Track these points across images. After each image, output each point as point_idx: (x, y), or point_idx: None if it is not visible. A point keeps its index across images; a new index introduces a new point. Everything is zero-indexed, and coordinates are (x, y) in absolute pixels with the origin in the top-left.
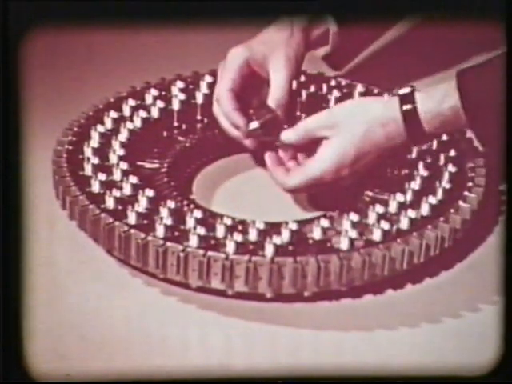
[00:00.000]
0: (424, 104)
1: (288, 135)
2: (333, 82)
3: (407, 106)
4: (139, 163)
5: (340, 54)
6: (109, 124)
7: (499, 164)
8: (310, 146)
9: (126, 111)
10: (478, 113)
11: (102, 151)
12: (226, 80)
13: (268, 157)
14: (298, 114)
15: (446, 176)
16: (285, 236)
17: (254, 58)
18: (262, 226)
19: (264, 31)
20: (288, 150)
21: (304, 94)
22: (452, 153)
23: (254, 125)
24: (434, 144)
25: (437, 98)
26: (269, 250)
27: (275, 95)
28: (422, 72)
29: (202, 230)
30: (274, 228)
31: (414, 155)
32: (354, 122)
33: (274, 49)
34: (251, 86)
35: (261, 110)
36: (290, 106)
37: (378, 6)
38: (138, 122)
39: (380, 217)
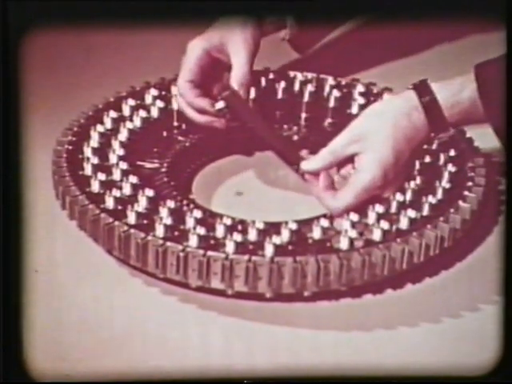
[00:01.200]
0: (442, 93)
1: (312, 163)
2: (332, 82)
3: (426, 98)
4: (139, 163)
5: (301, 38)
6: (108, 124)
7: (499, 164)
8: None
9: (126, 111)
10: (496, 106)
11: (102, 151)
12: (185, 72)
13: (314, 190)
14: (298, 113)
15: (446, 176)
16: (284, 236)
17: (212, 46)
18: (261, 226)
19: (218, 22)
20: (325, 173)
21: (304, 93)
22: (452, 153)
23: (220, 104)
24: (434, 144)
25: (454, 88)
26: (268, 249)
27: (237, 76)
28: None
29: (201, 230)
30: (273, 228)
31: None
32: (379, 126)
33: (230, 34)
34: (213, 75)
35: (223, 91)
36: (249, 85)
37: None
38: (137, 122)
39: (380, 217)
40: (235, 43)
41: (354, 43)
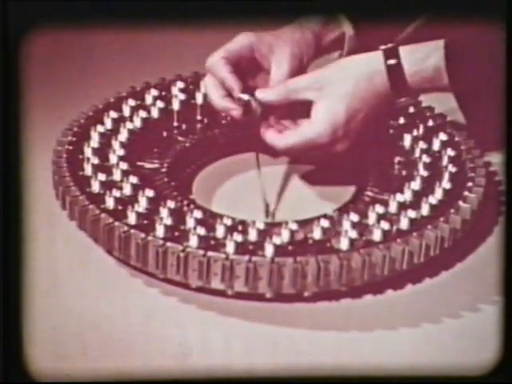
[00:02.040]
0: (407, 58)
1: (267, 94)
2: None
3: (391, 61)
4: (139, 163)
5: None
6: (109, 124)
7: (499, 164)
8: (300, 111)
9: (126, 111)
10: (462, 77)
11: (102, 151)
12: (223, 50)
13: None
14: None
15: (446, 176)
16: (285, 236)
17: (259, 46)
18: (261, 226)
19: (278, 29)
20: (279, 114)
21: None
22: (452, 153)
23: (246, 96)
24: (434, 144)
25: (421, 54)
26: (269, 250)
27: (275, 76)
28: None
29: (201, 230)
30: (273, 228)
31: (414, 155)
32: (340, 80)
33: (282, 44)
34: (246, 70)
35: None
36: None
37: (388, 7)
38: (137, 122)
39: (380, 217)
40: (282, 55)
41: None
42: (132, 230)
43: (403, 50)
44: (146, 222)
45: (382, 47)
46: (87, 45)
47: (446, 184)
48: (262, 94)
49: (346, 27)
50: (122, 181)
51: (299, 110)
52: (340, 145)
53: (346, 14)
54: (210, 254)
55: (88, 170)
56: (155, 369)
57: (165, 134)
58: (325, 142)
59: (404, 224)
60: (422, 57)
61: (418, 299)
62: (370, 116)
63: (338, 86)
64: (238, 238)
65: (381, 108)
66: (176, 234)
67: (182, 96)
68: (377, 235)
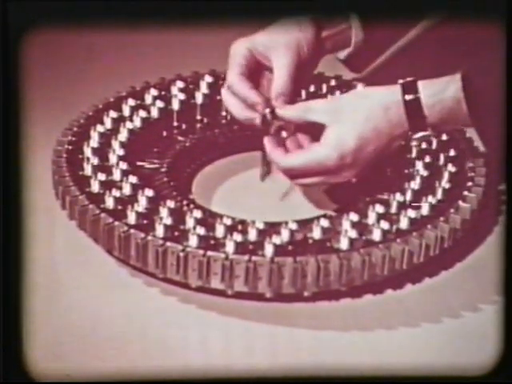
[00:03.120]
0: (426, 91)
1: (286, 111)
2: (333, 82)
3: (410, 96)
4: (139, 163)
5: (360, 56)
6: (108, 124)
7: (499, 164)
8: (311, 133)
9: (126, 111)
10: (481, 108)
11: (102, 151)
12: (234, 67)
13: (267, 140)
14: None
15: (446, 176)
16: (284, 236)
17: (255, 48)
18: (261, 226)
19: (270, 27)
20: (289, 134)
21: (304, 93)
22: (452, 153)
23: (268, 110)
24: (434, 144)
25: (439, 86)
26: (268, 249)
27: (276, 86)
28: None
29: (201, 230)
30: (273, 228)
31: (413, 155)
32: (356, 108)
33: (277, 40)
34: (259, 75)
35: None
36: (292, 94)
37: (390, 6)
38: (137, 122)
39: (380, 217)
40: (279, 49)
41: None
42: (132, 230)
43: (421, 84)
44: (145, 221)
45: (401, 81)
46: (87, 45)
47: (446, 184)
48: (281, 112)
49: (352, 23)
50: (121, 180)
51: (311, 132)
52: (347, 173)
53: (352, 11)
54: (209, 253)
55: (88, 169)
56: (155, 368)
57: (164, 133)
58: (331, 167)
59: (404, 224)
60: (441, 88)
61: (417, 299)
62: (382, 148)
63: (353, 113)
64: (238, 237)
65: (394, 141)
66: (176, 233)
67: (181, 96)
68: (377, 235)
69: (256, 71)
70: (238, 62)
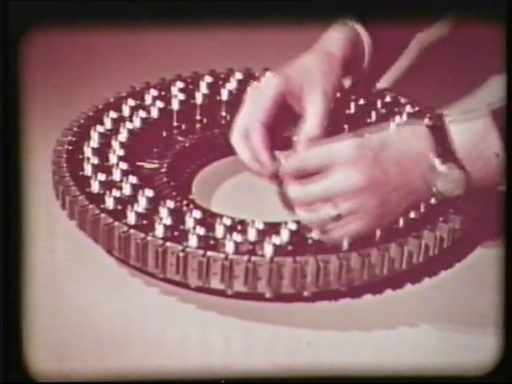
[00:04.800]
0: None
1: (289, 165)
2: None
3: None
4: (139, 163)
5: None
6: (108, 124)
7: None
8: None
9: (126, 111)
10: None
11: (102, 151)
12: (259, 110)
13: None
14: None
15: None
16: (284, 236)
17: (290, 90)
18: (261, 226)
19: (300, 58)
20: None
21: None
22: None
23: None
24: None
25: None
26: (268, 250)
27: (309, 131)
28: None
29: (201, 230)
30: (273, 228)
31: None
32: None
33: (310, 81)
34: (280, 119)
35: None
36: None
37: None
38: (137, 122)
39: None
40: (315, 94)
41: None
42: (132, 230)
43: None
44: (145, 221)
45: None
46: (87, 45)
47: None
48: (285, 168)
49: (363, 37)
50: (121, 181)
51: None
52: (380, 220)
53: (360, 21)
54: (209, 253)
55: (88, 170)
56: (155, 368)
57: (164, 134)
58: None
59: (403, 224)
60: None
61: (417, 299)
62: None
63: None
64: (238, 237)
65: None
66: (175, 233)
67: (181, 96)
68: (376, 235)
69: (281, 112)
70: (265, 105)
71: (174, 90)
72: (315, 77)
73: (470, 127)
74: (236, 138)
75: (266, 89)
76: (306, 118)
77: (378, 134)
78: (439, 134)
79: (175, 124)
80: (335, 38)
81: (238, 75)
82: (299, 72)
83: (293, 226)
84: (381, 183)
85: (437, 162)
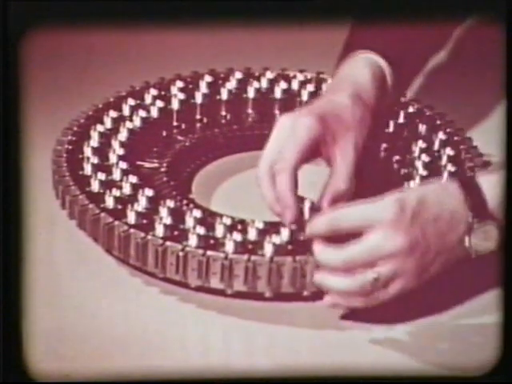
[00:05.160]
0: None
1: (315, 226)
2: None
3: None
4: (139, 163)
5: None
6: (108, 124)
7: (499, 164)
8: None
9: (126, 111)
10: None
11: (102, 151)
12: (291, 152)
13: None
14: None
15: (445, 175)
16: (284, 235)
17: (323, 135)
18: (261, 226)
19: (333, 94)
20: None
21: (304, 93)
22: (452, 152)
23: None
24: (434, 144)
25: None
26: (268, 249)
27: (337, 185)
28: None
29: (201, 230)
30: (273, 227)
31: (413, 154)
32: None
33: (344, 129)
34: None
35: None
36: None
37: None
38: (137, 122)
39: None
40: (346, 145)
41: None
42: (131, 230)
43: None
44: (145, 221)
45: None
46: (87, 45)
47: None
48: (314, 228)
49: (386, 72)
50: (121, 180)
51: None
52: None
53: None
54: (209, 253)
55: (88, 169)
56: (154, 368)
57: (164, 133)
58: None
59: None
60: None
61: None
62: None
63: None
64: (238, 237)
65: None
66: (175, 233)
67: (181, 95)
68: None
69: (312, 150)
70: (299, 149)
71: (174, 90)
72: (349, 126)
73: (496, 177)
74: (262, 173)
75: (301, 129)
76: (334, 169)
77: (414, 192)
78: (471, 188)
79: (175, 123)
80: (365, 80)
81: (238, 75)
82: (334, 116)
83: (293, 226)
84: (419, 244)
85: (471, 220)
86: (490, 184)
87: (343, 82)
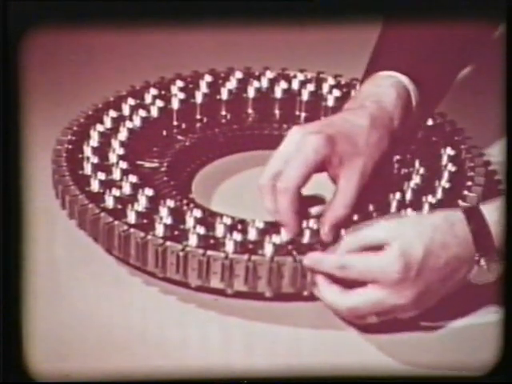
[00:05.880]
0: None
1: (323, 262)
2: (332, 82)
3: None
4: (139, 162)
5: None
6: (108, 123)
7: (499, 164)
8: None
9: (126, 110)
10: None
11: (102, 150)
12: (296, 171)
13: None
14: (297, 113)
15: (446, 175)
16: (284, 235)
17: (330, 156)
18: (261, 225)
19: (352, 111)
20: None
21: (304, 93)
22: (452, 152)
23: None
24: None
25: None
26: (268, 249)
27: (336, 210)
28: None
29: (201, 229)
30: (273, 227)
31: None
32: (420, 222)
33: (353, 151)
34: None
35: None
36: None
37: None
38: (137, 122)
39: (379, 216)
40: (352, 170)
41: None
42: (131, 229)
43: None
44: (145, 221)
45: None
46: (87, 45)
47: (446, 183)
48: (321, 265)
49: (411, 91)
50: (121, 180)
51: None
52: (408, 291)
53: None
54: (209, 253)
55: (88, 169)
56: (154, 368)
57: (164, 133)
58: (393, 281)
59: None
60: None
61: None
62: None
63: (416, 226)
64: (238, 237)
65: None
66: (175, 232)
67: (181, 95)
68: None
69: (318, 168)
70: (304, 170)
71: (174, 89)
72: (359, 150)
73: (496, 204)
74: (264, 183)
75: (308, 148)
76: (338, 191)
77: (419, 242)
78: (477, 222)
79: (175, 123)
80: (389, 100)
81: (238, 74)
82: (345, 138)
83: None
84: (424, 294)
85: (477, 258)
86: (492, 214)
87: (365, 101)
